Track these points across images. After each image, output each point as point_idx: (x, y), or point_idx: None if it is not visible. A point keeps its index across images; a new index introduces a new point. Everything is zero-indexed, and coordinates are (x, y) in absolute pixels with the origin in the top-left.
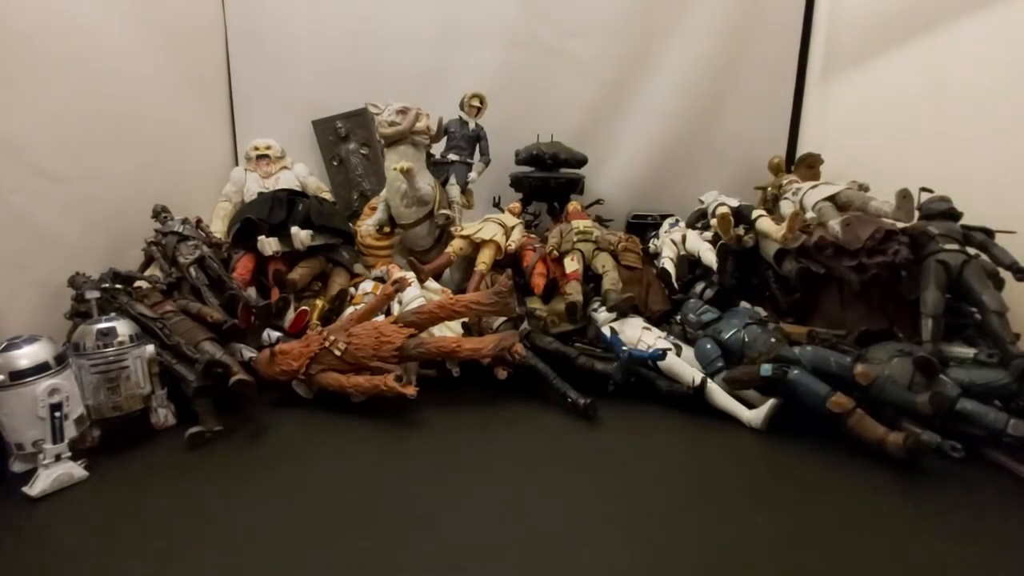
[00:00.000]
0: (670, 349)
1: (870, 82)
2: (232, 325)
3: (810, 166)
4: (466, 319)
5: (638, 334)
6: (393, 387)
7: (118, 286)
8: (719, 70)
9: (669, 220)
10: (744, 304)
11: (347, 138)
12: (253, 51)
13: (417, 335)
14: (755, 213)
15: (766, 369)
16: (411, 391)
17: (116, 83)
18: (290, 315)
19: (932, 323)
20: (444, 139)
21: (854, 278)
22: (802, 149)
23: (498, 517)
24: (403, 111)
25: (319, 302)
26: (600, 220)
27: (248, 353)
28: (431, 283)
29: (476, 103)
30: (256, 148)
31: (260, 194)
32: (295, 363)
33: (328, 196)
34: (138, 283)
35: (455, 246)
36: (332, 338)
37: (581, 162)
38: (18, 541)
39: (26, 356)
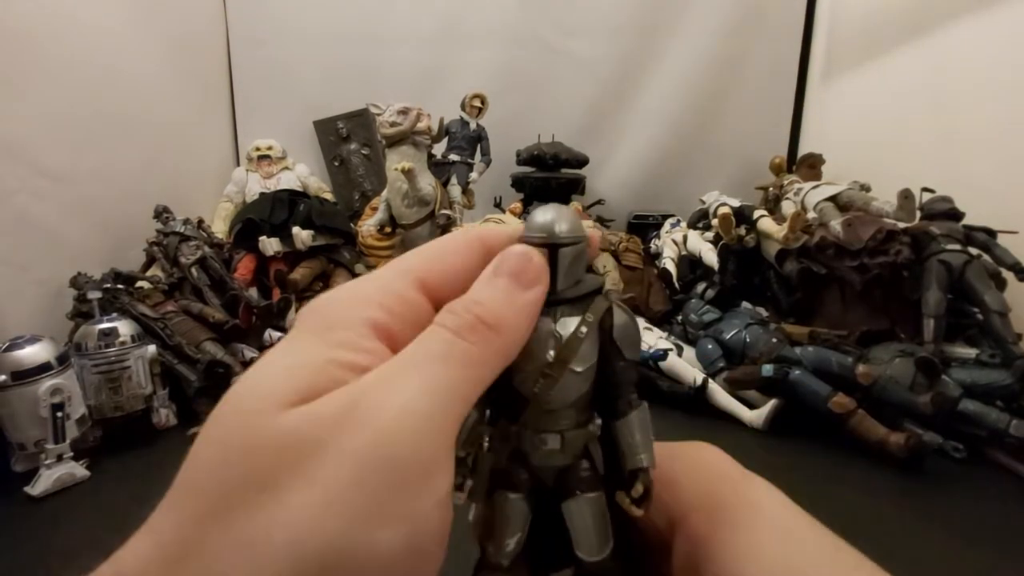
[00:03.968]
0: (671, 349)
1: (872, 82)
2: (233, 325)
3: (812, 166)
4: None
5: None
6: None
7: (120, 286)
8: (720, 70)
9: (670, 220)
10: (745, 304)
11: (348, 138)
12: (254, 52)
13: None
14: (756, 213)
15: (767, 369)
16: None
17: (117, 83)
18: (291, 315)
19: (934, 323)
20: (445, 139)
21: (856, 278)
22: (804, 149)
23: None
24: (404, 111)
25: None
26: (601, 220)
27: (250, 353)
28: None
29: (477, 103)
30: (257, 149)
31: (261, 194)
32: None
33: (329, 196)
34: (140, 283)
35: None
36: None
37: (582, 162)
38: (20, 541)
39: (28, 356)
